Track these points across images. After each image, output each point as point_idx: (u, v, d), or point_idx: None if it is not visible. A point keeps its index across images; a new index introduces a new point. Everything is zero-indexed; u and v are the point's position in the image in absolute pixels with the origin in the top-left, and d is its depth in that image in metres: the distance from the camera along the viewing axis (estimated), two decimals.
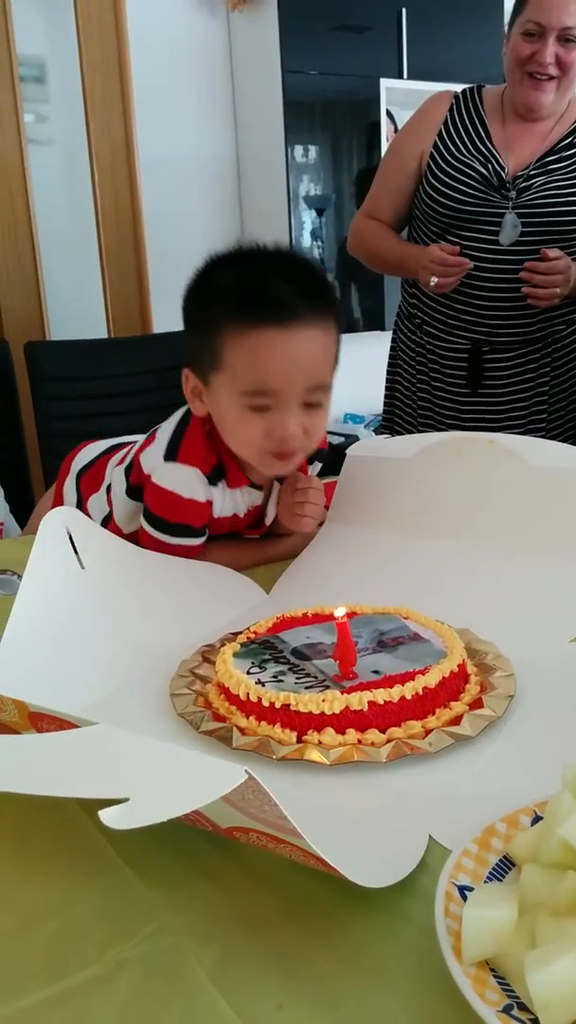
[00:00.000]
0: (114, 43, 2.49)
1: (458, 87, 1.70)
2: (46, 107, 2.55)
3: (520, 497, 1.01)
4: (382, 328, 3.12)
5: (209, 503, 1.01)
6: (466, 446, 1.08)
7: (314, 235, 3.11)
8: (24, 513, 1.80)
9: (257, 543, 1.11)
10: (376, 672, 0.72)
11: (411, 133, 1.70)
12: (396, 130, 2.95)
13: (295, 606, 0.87)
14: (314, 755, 0.64)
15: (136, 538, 1.02)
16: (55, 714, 0.53)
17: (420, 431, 1.77)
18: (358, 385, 3.13)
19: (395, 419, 1.87)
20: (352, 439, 3.23)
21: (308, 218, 3.06)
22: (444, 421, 1.73)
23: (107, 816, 0.36)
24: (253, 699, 0.68)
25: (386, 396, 1.90)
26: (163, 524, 1.00)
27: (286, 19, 2.66)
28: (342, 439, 3.18)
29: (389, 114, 2.99)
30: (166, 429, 1.03)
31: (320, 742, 0.65)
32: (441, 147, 1.63)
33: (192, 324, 0.96)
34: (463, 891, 0.46)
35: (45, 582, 0.81)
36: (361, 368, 3.00)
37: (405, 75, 2.97)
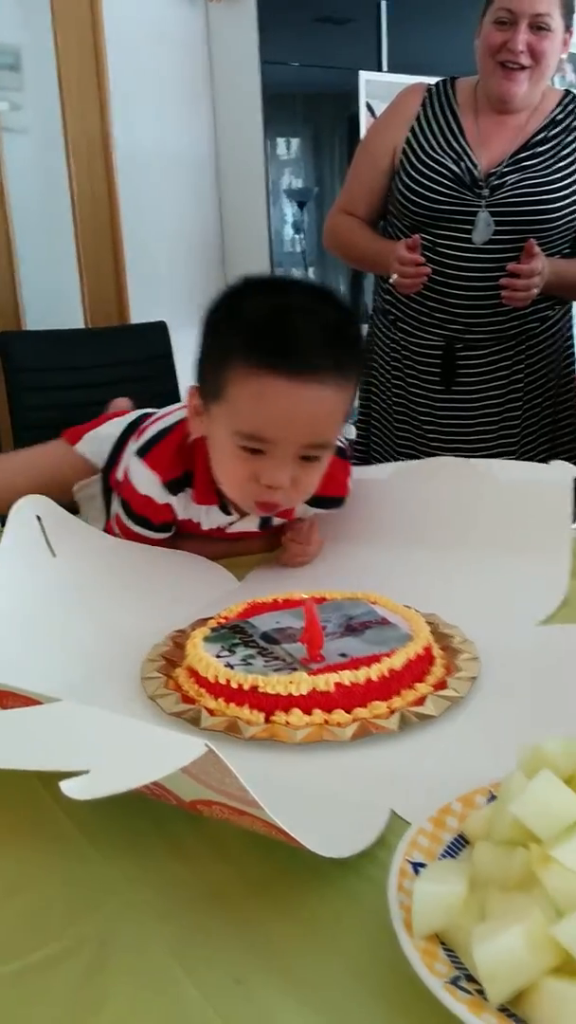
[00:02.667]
0: (90, 32, 2.48)
1: (435, 80, 1.70)
2: (20, 95, 2.54)
3: (490, 507, 1.06)
4: (363, 322, 3.14)
5: (168, 507, 1.00)
6: (441, 469, 1.14)
7: (295, 228, 3.12)
8: None
9: (230, 541, 1.09)
10: (343, 655, 0.74)
11: (384, 127, 1.70)
12: None
13: (267, 594, 0.89)
14: (281, 735, 0.66)
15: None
16: (19, 691, 0.54)
17: (395, 427, 1.79)
18: None
19: (371, 414, 1.88)
20: None
21: (289, 211, 3.06)
22: (418, 417, 1.75)
23: (68, 787, 0.37)
24: (222, 681, 0.70)
25: (362, 391, 1.91)
26: (128, 510, 1.01)
27: (265, 10, 2.66)
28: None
29: (369, 107, 3.00)
30: (152, 428, 1.02)
31: (287, 722, 0.67)
32: (414, 143, 1.63)
33: (206, 346, 0.91)
34: (417, 868, 0.48)
35: (16, 569, 0.82)
36: None
37: (384, 68, 2.98)
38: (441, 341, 1.67)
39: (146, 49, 2.67)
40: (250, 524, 1.05)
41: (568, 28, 1.53)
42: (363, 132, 3.00)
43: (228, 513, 1.03)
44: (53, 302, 2.58)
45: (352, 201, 1.73)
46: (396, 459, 1.80)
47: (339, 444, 1.03)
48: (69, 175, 2.56)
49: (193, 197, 2.93)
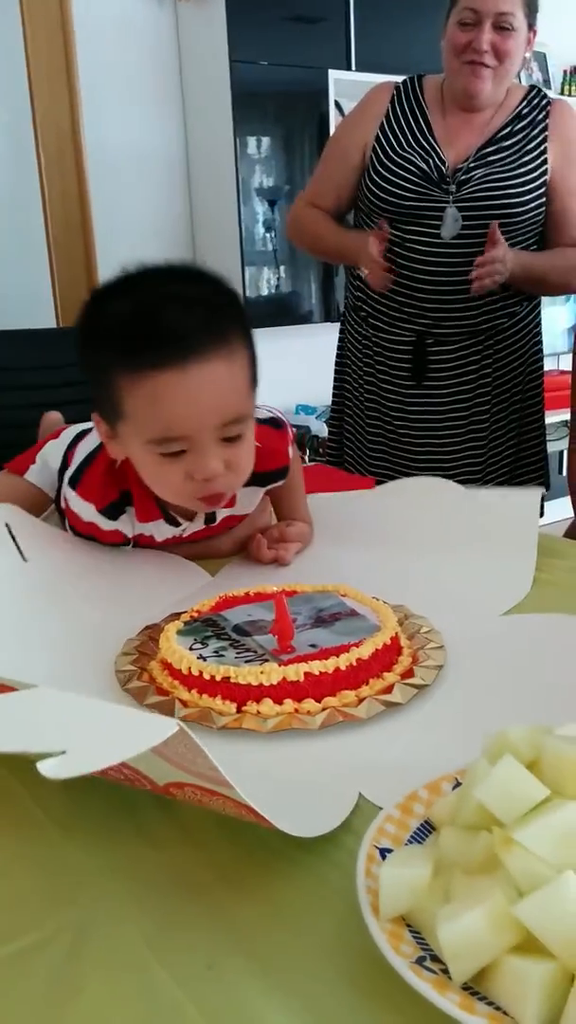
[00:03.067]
0: (59, 30, 2.47)
1: (397, 78, 1.71)
2: None
3: (462, 512, 1.09)
4: (335, 320, 3.15)
5: (116, 531, 0.98)
6: (415, 485, 1.20)
7: (267, 226, 3.12)
8: None
9: (191, 544, 1.06)
10: (313, 646, 0.75)
11: (353, 124, 1.71)
12: None
13: (239, 589, 0.89)
14: (252, 724, 0.66)
15: None
16: None
17: (367, 422, 1.80)
18: (311, 376, 3.18)
19: (344, 410, 1.89)
20: (304, 430, 3.26)
21: (260, 209, 3.06)
22: (389, 412, 1.76)
23: (44, 767, 0.38)
24: (195, 673, 0.70)
25: (335, 388, 1.93)
26: (78, 534, 1.00)
27: (234, 9, 2.65)
28: (294, 430, 3.21)
29: (338, 105, 3.01)
30: (79, 454, 1.00)
31: (259, 712, 0.68)
32: (383, 140, 1.65)
33: (87, 368, 0.87)
34: (384, 853, 0.49)
35: None
36: (313, 359, 3.04)
37: (353, 67, 2.99)
38: (411, 336, 1.69)
39: (115, 47, 2.66)
40: (198, 525, 1.03)
41: (531, 27, 1.55)
42: (332, 130, 3.01)
43: (176, 524, 1.01)
44: (24, 301, 2.56)
45: (319, 194, 1.75)
46: (368, 455, 1.82)
47: (270, 414, 1.05)
48: (39, 172, 2.55)
49: (164, 196, 2.92)
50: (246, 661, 0.72)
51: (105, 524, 0.97)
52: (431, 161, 1.60)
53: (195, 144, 2.93)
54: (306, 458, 3.25)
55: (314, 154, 3.10)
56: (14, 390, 1.85)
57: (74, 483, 0.97)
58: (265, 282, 3.10)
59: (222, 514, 1.04)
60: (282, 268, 3.19)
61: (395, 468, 1.77)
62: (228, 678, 0.69)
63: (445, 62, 1.60)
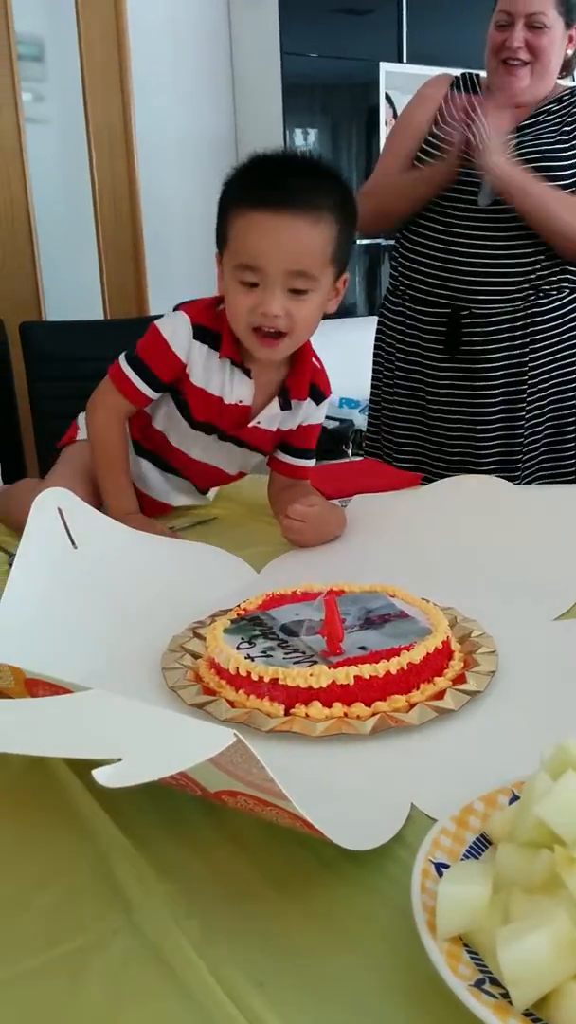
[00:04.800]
0: (113, 21, 2.47)
1: (457, 72, 1.71)
2: (44, 86, 2.54)
3: (513, 510, 1.08)
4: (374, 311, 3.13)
5: (179, 363, 1.10)
6: (466, 483, 1.19)
7: None
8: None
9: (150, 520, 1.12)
10: (363, 648, 0.73)
11: (412, 114, 1.72)
12: (395, 114, 2.94)
13: (285, 586, 0.88)
14: (301, 727, 0.65)
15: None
16: (50, 680, 0.54)
17: (401, 403, 1.80)
18: (354, 370, 3.14)
19: (382, 396, 1.87)
20: (347, 423, 3.23)
21: None
22: (424, 389, 1.76)
23: (101, 775, 0.37)
24: (242, 673, 0.69)
25: (373, 373, 1.91)
26: (132, 356, 1.12)
27: (286, 1, 2.64)
28: (337, 423, 3.18)
29: (388, 98, 2.98)
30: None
31: (307, 715, 0.66)
32: (434, 126, 1.66)
33: (219, 207, 1.05)
34: (439, 868, 0.47)
35: (38, 560, 0.81)
36: (357, 352, 3.01)
37: (405, 59, 2.95)
38: (447, 308, 1.69)
39: (168, 39, 2.66)
40: (270, 415, 1.16)
41: (570, 25, 1.59)
42: (382, 123, 2.98)
43: (248, 375, 1.12)
44: (73, 293, 2.58)
45: (386, 173, 1.75)
46: (400, 439, 1.81)
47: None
48: (91, 166, 2.56)
49: (213, 188, 2.90)
50: (294, 662, 0.71)
51: (185, 345, 1.10)
52: (474, 131, 1.60)
53: (244, 136, 2.92)
54: (350, 451, 3.22)
55: (361, 146, 3.08)
56: (64, 380, 1.86)
57: (179, 306, 1.13)
58: None
59: (286, 424, 1.18)
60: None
61: (428, 452, 1.77)
62: (277, 679, 0.68)
63: (486, 62, 1.65)
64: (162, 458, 1.23)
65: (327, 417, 3.22)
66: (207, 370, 1.11)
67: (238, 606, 0.84)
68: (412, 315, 1.74)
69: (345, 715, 0.67)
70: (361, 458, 3.11)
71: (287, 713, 0.67)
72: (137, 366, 1.12)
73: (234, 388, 1.13)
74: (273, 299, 1.00)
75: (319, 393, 1.18)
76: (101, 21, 2.47)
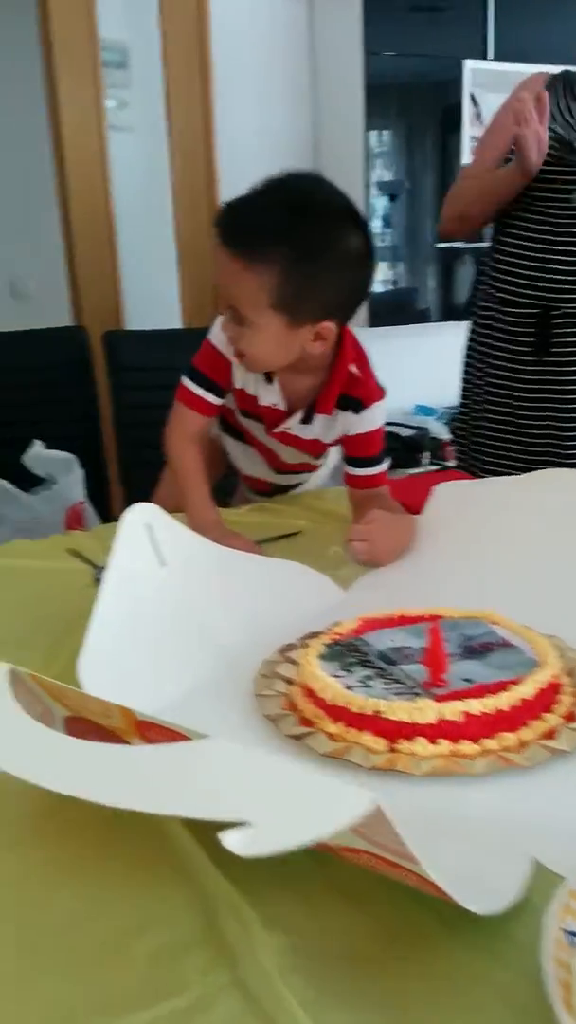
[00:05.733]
0: (195, 25, 2.47)
1: (548, 68, 1.64)
2: (127, 93, 2.55)
3: None
4: (455, 318, 3.07)
5: (228, 365, 1.13)
6: (554, 480, 1.11)
7: (386, 221, 3.05)
8: (100, 500, 1.81)
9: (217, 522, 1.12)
10: (467, 680, 0.69)
11: (506, 116, 1.65)
12: (479, 115, 2.88)
13: (373, 607, 0.85)
14: (406, 765, 0.62)
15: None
16: (164, 724, 0.52)
17: (489, 403, 1.74)
18: (430, 376, 3.09)
19: (472, 403, 1.82)
20: (422, 432, 3.17)
21: (379, 204, 3.00)
22: (512, 392, 1.70)
23: (230, 842, 0.34)
24: (342, 704, 0.66)
25: (464, 377, 1.85)
26: (192, 371, 1.16)
27: (370, 1, 2.60)
28: (412, 431, 3.13)
29: (473, 98, 2.91)
30: None
31: (412, 752, 0.63)
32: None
33: None
34: (573, 937, 0.43)
35: (127, 579, 0.80)
36: (433, 358, 2.95)
37: (491, 56, 2.88)
38: (537, 308, 1.63)
39: (249, 43, 2.65)
40: (298, 425, 1.17)
41: None
42: (465, 122, 2.92)
43: (270, 382, 1.14)
44: (153, 301, 2.60)
45: (471, 177, 1.70)
46: (488, 447, 1.75)
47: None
48: (171, 172, 2.57)
49: None
50: (395, 694, 0.68)
51: (227, 350, 1.12)
52: (572, 132, 1.54)
53: (325, 138, 2.90)
54: (423, 459, 3.16)
55: (439, 148, 3.02)
56: (144, 390, 1.87)
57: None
58: (382, 279, 3.04)
59: (319, 423, 1.17)
60: (400, 265, 3.12)
61: (515, 457, 1.71)
62: (379, 712, 0.64)
63: None
64: (237, 431, 1.28)
65: (399, 424, 3.17)
66: (243, 376, 1.15)
67: (331, 630, 0.81)
68: (502, 317, 1.69)
69: (452, 753, 0.63)
70: (439, 468, 3.07)
71: (390, 749, 0.64)
72: (196, 378, 1.16)
73: (264, 392, 1.16)
74: (223, 320, 1.06)
75: (355, 402, 1.15)
76: (184, 25, 2.47)
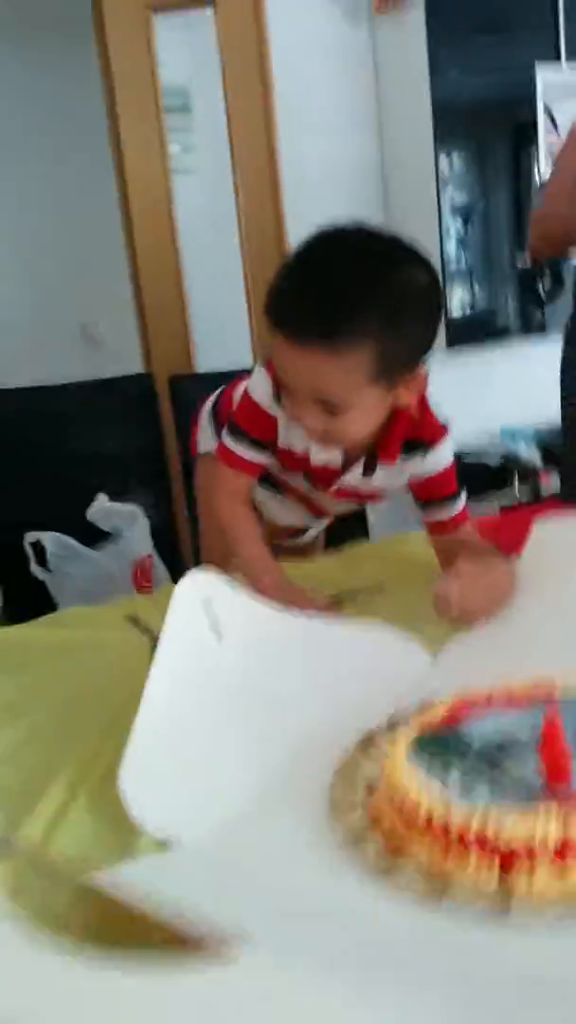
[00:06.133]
0: (256, 63, 2.42)
1: None
2: (190, 136, 2.52)
3: None
4: (536, 331, 2.90)
5: (273, 421, 1.02)
6: None
7: (461, 243, 2.93)
8: (168, 549, 1.71)
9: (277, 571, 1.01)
10: None
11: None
12: (555, 126, 2.74)
13: (469, 676, 0.73)
14: (527, 908, 0.48)
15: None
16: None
17: None
18: (516, 397, 2.92)
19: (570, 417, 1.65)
20: (511, 458, 2.98)
21: (453, 227, 2.89)
22: None
23: None
24: (438, 822, 0.53)
25: (563, 395, 1.68)
26: (233, 427, 1.05)
27: (434, 20, 2.51)
28: (499, 458, 2.95)
29: (548, 111, 2.77)
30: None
31: (530, 886, 0.49)
32: None
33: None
34: None
35: (179, 663, 0.68)
36: (518, 378, 2.79)
37: (563, 59, 2.74)
38: None
39: (311, 72, 2.58)
40: (356, 477, 1.05)
41: None
42: (541, 137, 2.78)
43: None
44: (224, 340, 2.53)
45: (555, 196, 1.56)
46: None
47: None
48: (237, 211, 2.51)
49: (360, 217, 2.81)
50: (507, 801, 0.54)
51: (268, 403, 1.01)
52: None
53: (391, 162, 2.80)
54: (514, 489, 2.97)
55: (512, 163, 2.89)
56: None
57: (265, 362, 1.02)
58: (460, 301, 2.91)
59: (382, 471, 1.05)
60: (477, 286, 2.98)
61: None
62: (486, 832, 0.51)
63: None
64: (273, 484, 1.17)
65: (484, 452, 2.97)
66: (289, 429, 1.02)
67: (420, 713, 0.68)
68: None
69: None
70: (533, 499, 2.88)
71: (501, 881, 0.50)
72: (238, 436, 1.04)
73: (318, 450, 1.03)
74: (305, 416, 0.92)
75: (419, 444, 1.02)
76: (244, 63, 2.42)
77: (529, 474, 2.95)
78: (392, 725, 0.68)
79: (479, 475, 2.87)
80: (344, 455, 1.04)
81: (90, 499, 1.57)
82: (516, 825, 0.50)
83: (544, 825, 0.50)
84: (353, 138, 2.71)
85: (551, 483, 2.80)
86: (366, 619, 0.90)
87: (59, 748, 0.73)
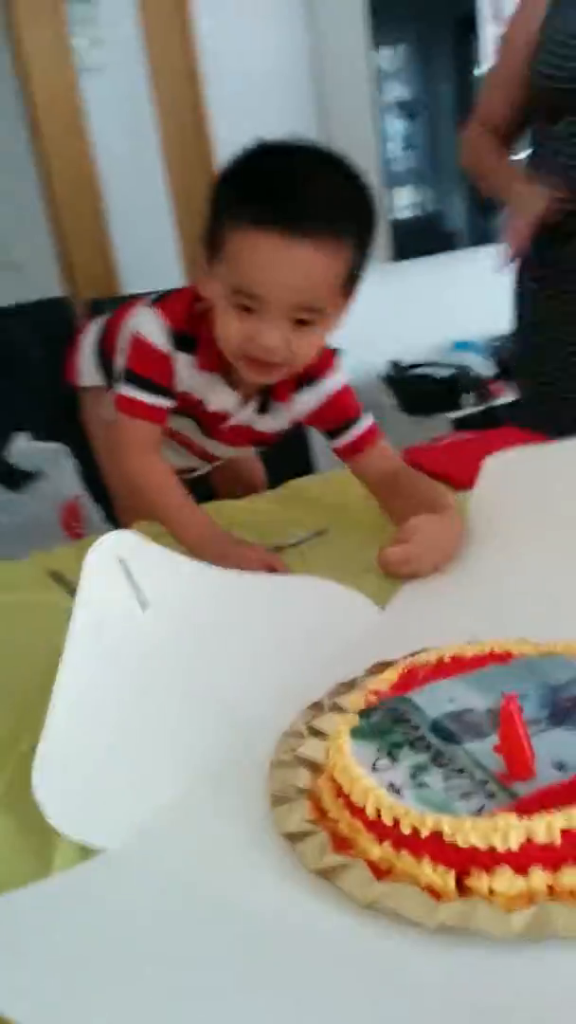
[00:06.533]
0: None
1: None
2: (98, 30, 2.28)
3: None
4: (488, 242, 2.79)
5: (169, 363, 0.97)
6: None
7: (406, 143, 2.77)
8: (98, 489, 1.61)
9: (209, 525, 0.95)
10: (561, 767, 0.50)
11: (521, 11, 1.39)
12: (496, 11, 2.57)
13: (418, 633, 0.67)
14: (487, 922, 0.43)
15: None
16: None
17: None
18: (466, 308, 2.82)
19: (529, 321, 1.57)
20: (464, 371, 2.90)
21: (400, 126, 2.72)
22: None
23: None
24: (388, 821, 0.47)
25: (517, 302, 1.59)
26: (131, 376, 0.97)
27: None
28: (451, 371, 2.87)
29: None
30: (160, 293, 1.02)
31: (491, 891, 0.44)
32: (556, 16, 1.33)
33: (213, 204, 0.89)
34: None
35: (97, 634, 0.61)
36: (468, 289, 2.68)
37: None
38: None
39: None
40: (249, 411, 1.03)
41: None
42: (483, 22, 2.61)
43: (234, 388, 1.00)
44: (151, 259, 2.37)
45: (490, 107, 1.46)
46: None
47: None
48: (156, 114, 2.32)
49: (290, 119, 2.61)
50: (461, 795, 0.49)
51: (164, 345, 0.96)
52: None
53: (323, 59, 2.60)
54: (466, 401, 2.89)
55: (458, 59, 2.72)
56: None
57: (157, 300, 0.99)
58: (406, 205, 2.77)
59: (275, 411, 1.03)
60: (425, 189, 2.84)
61: None
62: (441, 834, 0.45)
63: None
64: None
65: (435, 365, 2.88)
66: (189, 378, 0.98)
67: (367, 681, 0.62)
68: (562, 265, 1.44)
69: (551, 889, 0.44)
70: (484, 411, 2.81)
71: (459, 886, 0.45)
72: (139, 383, 0.97)
73: (217, 397, 1.01)
74: (273, 332, 0.86)
75: (310, 379, 1.00)
76: None
77: (482, 386, 2.88)
78: (338, 695, 0.63)
79: (430, 390, 2.79)
80: (239, 400, 1.01)
81: (4, 438, 1.45)
82: (472, 830, 0.45)
83: (505, 833, 0.44)
84: (281, 29, 2.50)
85: (505, 394, 2.74)
86: (307, 571, 0.84)
87: None
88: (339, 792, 0.52)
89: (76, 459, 1.47)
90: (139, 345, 0.97)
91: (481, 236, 2.85)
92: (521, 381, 1.64)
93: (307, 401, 1.01)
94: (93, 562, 0.63)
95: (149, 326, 0.96)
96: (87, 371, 1.26)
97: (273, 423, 1.06)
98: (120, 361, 1.04)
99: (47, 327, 1.64)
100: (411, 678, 0.61)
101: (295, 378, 0.98)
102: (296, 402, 1.02)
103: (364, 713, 0.58)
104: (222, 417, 1.03)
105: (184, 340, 0.96)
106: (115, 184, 2.32)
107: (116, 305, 1.75)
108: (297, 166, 0.85)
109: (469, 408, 2.81)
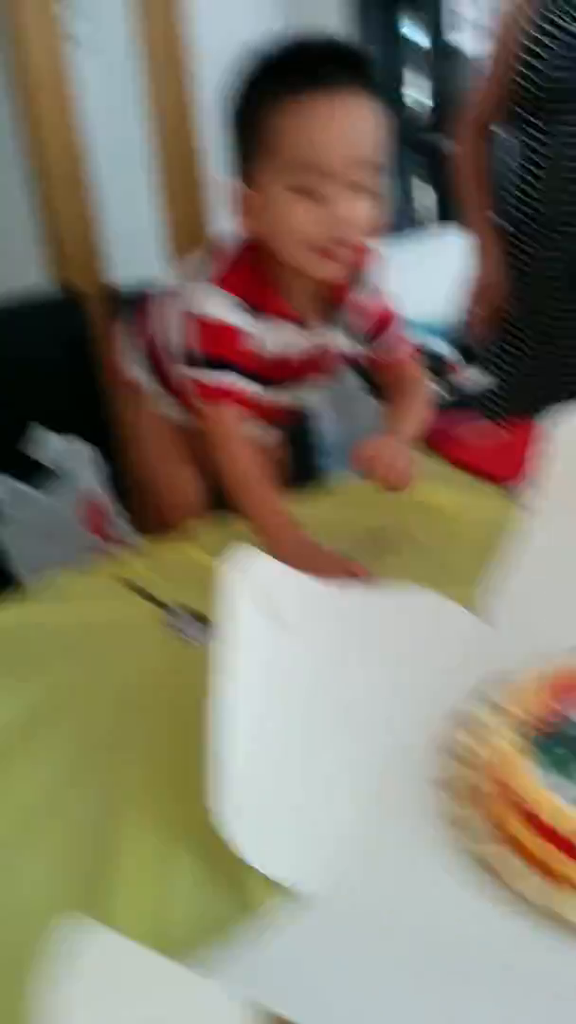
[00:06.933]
0: None
1: None
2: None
3: None
4: (451, 219, 2.82)
5: (241, 332, 0.96)
6: None
7: None
8: (117, 489, 1.58)
9: (286, 524, 0.93)
10: None
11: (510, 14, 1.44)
12: None
13: (531, 638, 0.69)
14: None
15: None
16: None
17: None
18: (430, 290, 2.83)
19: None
20: (425, 354, 2.93)
21: None
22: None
23: None
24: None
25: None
26: (209, 359, 0.95)
27: None
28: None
29: None
30: (217, 267, 0.99)
31: None
32: (543, 12, 1.39)
33: (236, 120, 0.90)
34: None
35: (245, 666, 0.60)
36: (425, 268, 2.69)
37: None
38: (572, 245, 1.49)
39: None
40: (317, 335, 1.03)
41: None
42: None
43: (302, 325, 1.00)
44: (138, 243, 2.31)
45: (484, 105, 1.53)
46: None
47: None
48: (144, 92, 2.25)
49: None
50: None
51: (239, 321, 0.95)
52: None
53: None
54: (433, 386, 2.93)
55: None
56: None
57: (218, 279, 0.96)
58: None
59: (338, 320, 1.03)
60: (392, 172, 2.84)
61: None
62: None
63: None
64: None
65: None
66: (270, 337, 1.00)
67: (510, 699, 0.64)
68: (529, 261, 1.57)
69: None
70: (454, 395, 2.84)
71: None
72: (220, 365, 0.95)
73: (280, 335, 1.00)
74: (341, 203, 0.86)
75: (358, 274, 1.01)
76: None
77: (442, 368, 2.91)
78: (477, 716, 0.64)
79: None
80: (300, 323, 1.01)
81: (17, 435, 1.41)
82: None
83: None
84: (261, 14, 2.46)
85: (469, 378, 2.78)
86: (394, 581, 0.84)
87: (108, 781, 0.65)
88: (519, 811, 0.54)
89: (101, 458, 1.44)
90: (208, 326, 0.95)
91: (442, 216, 2.88)
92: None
93: (363, 300, 1.03)
94: (231, 585, 0.62)
95: (210, 299, 0.95)
96: (137, 370, 1.20)
97: (334, 339, 1.05)
98: (179, 353, 1.02)
99: (58, 322, 1.60)
100: (559, 690, 0.63)
101: (347, 281, 0.99)
102: (353, 303, 1.03)
103: (537, 739, 0.58)
104: (284, 361, 1.03)
105: (254, 306, 0.96)
106: (104, 167, 2.25)
107: (126, 297, 1.72)
108: (314, 42, 0.88)
109: (438, 392, 2.84)
